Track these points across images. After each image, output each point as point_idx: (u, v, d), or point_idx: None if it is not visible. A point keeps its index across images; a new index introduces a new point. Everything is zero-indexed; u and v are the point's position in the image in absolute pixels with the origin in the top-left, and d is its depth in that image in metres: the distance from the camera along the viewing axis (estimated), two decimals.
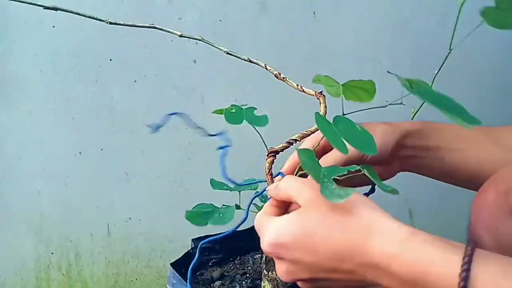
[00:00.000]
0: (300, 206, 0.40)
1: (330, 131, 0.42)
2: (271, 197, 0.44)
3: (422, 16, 0.96)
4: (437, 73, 0.43)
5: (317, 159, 0.45)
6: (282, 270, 0.40)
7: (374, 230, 0.36)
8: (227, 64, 0.94)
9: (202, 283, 0.65)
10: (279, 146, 0.49)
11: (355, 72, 0.96)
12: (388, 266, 0.34)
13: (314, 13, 0.94)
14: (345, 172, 0.41)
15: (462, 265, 0.31)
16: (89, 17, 0.61)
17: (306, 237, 0.38)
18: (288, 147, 0.49)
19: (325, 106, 0.51)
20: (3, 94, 0.94)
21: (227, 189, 0.57)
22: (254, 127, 0.54)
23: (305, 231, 0.38)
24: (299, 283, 0.42)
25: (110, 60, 0.93)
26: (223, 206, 0.56)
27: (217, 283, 0.65)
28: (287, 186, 0.42)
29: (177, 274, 0.61)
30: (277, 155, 0.50)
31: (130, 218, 1.00)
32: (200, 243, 0.52)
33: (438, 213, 1.06)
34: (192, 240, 0.70)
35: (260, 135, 0.55)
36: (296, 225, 0.39)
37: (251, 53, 1.02)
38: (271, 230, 0.40)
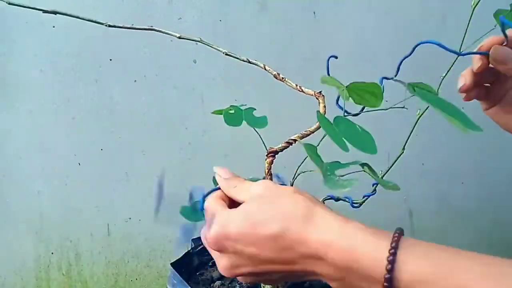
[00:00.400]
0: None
1: (331, 131, 0.42)
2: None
3: (422, 16, 0.96)
4: (445, 76, 0.42)
5: (319, 155, 0.45)
6: (223, 264, 0.40)
7: (312, 219, 0.37)
8: (227, 64, 0.94)
9: (202, 283, 0.65)
10: (279, 146, 0.49)
11: (355, 72, 0.97)
12: (325, 253, 0.35)
13: (314, 13, 0.94)
14: (347, 167, 0.42)
15: (389, 250, 0.33)
16: (89, 20, 0.61)
17: (247, 228, 0.38)
18: (288, 147, 0.49)
19: (324, 106, 0.51)
20: (3, 94, 0.94)
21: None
22: (255, 129, 0.55)
23: (247, 222, 0.38)
24: (240, 278, 0.42)
25: (110, 60, 0.93)
26: None
27: (217, 283, 0.65)
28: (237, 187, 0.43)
29: (177, 274, 0.61)
30: (276, 155, 0.50)
31: (130, 218, 1.00)
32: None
33: (438, 213, 1.06)
34: (192, 240, 0.70)
35: (259, 135, 0.55)
36: (239, 216, 0.39)
37: (251, 53, 1.02)
38: (218, 222, 0.40)
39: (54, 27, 0.91)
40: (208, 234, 0.40)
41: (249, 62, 0.57)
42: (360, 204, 0.52)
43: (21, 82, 0.93)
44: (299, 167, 0.50)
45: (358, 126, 0.43)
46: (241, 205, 0.40)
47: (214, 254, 0.42)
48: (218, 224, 0.40)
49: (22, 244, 1.01)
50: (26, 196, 0.98)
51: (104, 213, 1.00)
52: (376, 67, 0.97)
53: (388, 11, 0.95)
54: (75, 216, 1.00)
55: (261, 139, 0.54)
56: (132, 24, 0.64)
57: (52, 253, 1.01)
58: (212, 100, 0.95)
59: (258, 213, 0.38)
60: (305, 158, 0.49)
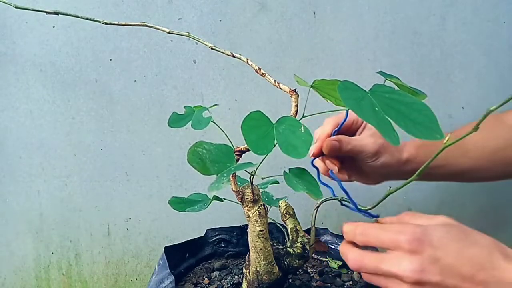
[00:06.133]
0: None
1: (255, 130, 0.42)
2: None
3: (422, 16, 0.96)
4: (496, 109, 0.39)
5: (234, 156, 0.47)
6: (414, 267, 0.39)
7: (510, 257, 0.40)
8: (227, 64, 0.94)
9: (204, 271, 0.68)
10: (244, 146, 0.49)
11: (355, 72, 0.97)
12: None
13: (314, 13, 0.94)
14: (232, 171, 0.43)
15: None
16: (87, 18, 0.62)
17: (453, 240, 0.40)
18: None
19: (296, 106, 0.50)
20: (3, 94, 0.94)
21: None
22: (219, 127, 0.56)
23: (453, 235, 0.40)
24: (416, 285, 0.41)
25: (110, 60, 0.93)
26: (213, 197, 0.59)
27: (216, 272, 0.68)
28: (415, 216, 0.46)
29: (165, 257, 0.64)
30: (242, 154, 0.51)
31: (130, 218, 1.00)
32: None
33: (438, 213, 1.05)
34: (207, 230, 0.76)
35: (226, 134, 0.55)
36: (445, 228, 0.41)
37: (251, 53, 1.02)
38: (419, 227, 0.41)
39: (54, 27, 0.91)
40: (406, 230, 0.41)
41: (233, 56, 0.57)
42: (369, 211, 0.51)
43: (21, 82, 0.93)
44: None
45: (303, 127, 0.42)
46: (435, 224, 0.42)
47: (397, 255, 0.41)
48: (419, 228, 0.41)
49: (22, 244, 1.01)
50: (26, 196, 0.98)
51: (104, 213, 1.00)
52: (376, 67, 0.97)
53: (388, 11, 0.95)
54: (75, 216, 1.00)
55: (228, 137, 0.55)
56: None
57: (52, 253, 1.01)
58: (212, 100, 0.95)
59: (463, 232, 0.41)
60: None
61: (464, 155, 0.64)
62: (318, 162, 0.60)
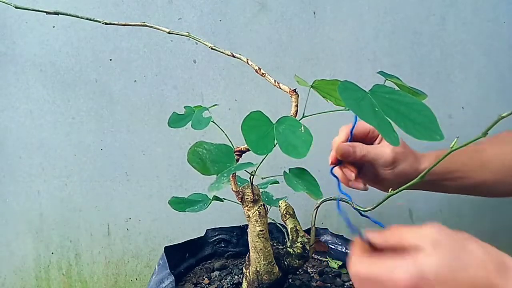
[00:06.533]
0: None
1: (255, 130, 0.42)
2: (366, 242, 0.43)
3: (422, 16, 0.96)
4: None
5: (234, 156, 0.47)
6: None
7: (509, 267, 0.38)
8: (227, 64, 0.94)
9: (204, 271, 0.68)
10: (244, 146, 0.49)
11: (355, 72, 0.97)
12: None
13: (314, 13, 0.94)
14: (232, 171, 0.43)
15: None
16: (87, 18, 0.62)
17: (446, 273, 0.38)
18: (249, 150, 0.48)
19: (296, 106, 0.50)
20: (3, 94, 0.94)
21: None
22: (219, 127, 0.56)
23: (444, 267, 0.39)
24: None
25: (110, 60, 0.93)
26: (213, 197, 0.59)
27: (216, 272, 0.68)
28: (402, 231, 0.43)
29: (165, 257, 0.64)
30: (242, 154, 0.51)
31: (130, 218, 1.00)
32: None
33: (438, 213, 1.06)
34: (207, 230, 0.76)
35: (225, 134, 0.55)
36: (439, 261, 0.39)
37: (251, 53, 1.02)
38: (413, 266, 0.39)
39: (54, 27, 0.91)
40: (400, 275, 0.39)
41: (233, 56, 0.57)
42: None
43: (21, 82, 0.93)
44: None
45: (303, 127, 0.42)
46: (425, 250, 0.40)
47: None
48: (414, 268, 0.39)
49: (22, 244, 1.01)
50: (26, 196, 0.98)
51: (104, 213, 1.00)
52: (376, 67, 0.97)
53: (388, 11, 0.95)
54: (75, 216, 1.00)
55: (228, 137, 0.55)
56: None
57: (52, 253, 1.01)
58: (212, 100, 0.95)
59: (453, 258, 0.39)
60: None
61: (483, 168, 0.64)
62: (337, 171, 0.60)
